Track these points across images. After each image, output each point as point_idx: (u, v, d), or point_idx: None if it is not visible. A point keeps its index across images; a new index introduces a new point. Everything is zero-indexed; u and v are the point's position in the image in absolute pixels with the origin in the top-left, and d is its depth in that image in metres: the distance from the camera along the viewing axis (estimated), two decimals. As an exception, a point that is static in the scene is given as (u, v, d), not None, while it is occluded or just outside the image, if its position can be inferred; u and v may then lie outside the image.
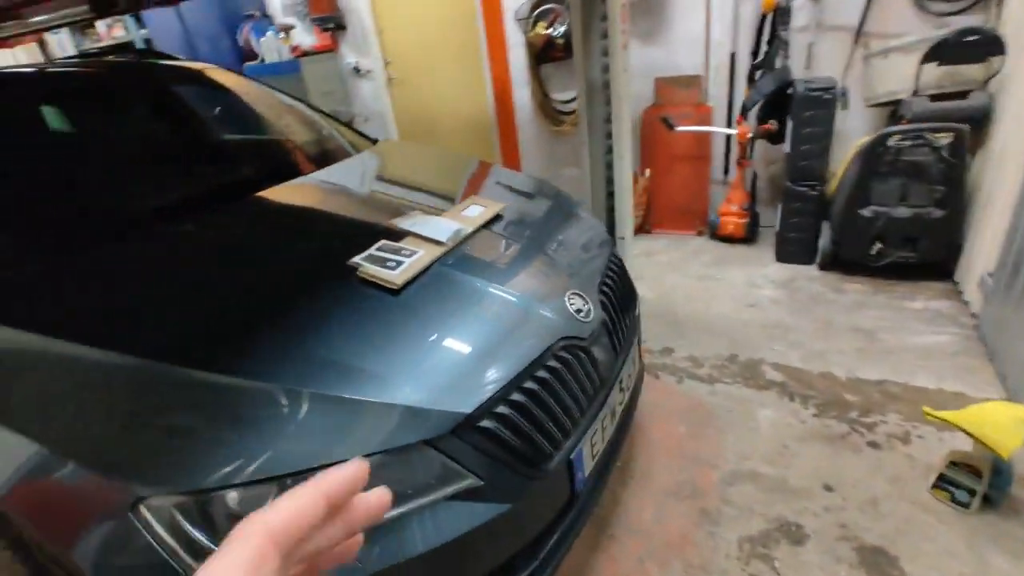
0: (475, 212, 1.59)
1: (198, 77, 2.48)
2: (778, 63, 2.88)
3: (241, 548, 0.21)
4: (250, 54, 4.45)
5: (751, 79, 3.09)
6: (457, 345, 1.15)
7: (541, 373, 1.18)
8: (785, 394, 2.08)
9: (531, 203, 1.79)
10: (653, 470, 1.81)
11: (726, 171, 3.48)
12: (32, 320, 1.14)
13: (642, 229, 3.72)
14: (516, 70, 3.77)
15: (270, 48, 4.25)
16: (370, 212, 1.65)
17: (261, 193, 1.69)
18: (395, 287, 1.23)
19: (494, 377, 1.11)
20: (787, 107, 2.81)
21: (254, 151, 2.26)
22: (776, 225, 3.08)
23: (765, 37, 2.97)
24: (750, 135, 3.02)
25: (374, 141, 2.36)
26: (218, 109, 2.53)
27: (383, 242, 1.39)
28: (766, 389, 2.12)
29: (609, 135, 2.37)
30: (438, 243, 1.39)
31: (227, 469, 0.90)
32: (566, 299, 1.34)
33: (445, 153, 2.26)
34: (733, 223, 3.30)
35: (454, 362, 1.12)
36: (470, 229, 1.48)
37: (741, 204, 3.28)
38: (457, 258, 1.38)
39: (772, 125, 2.94)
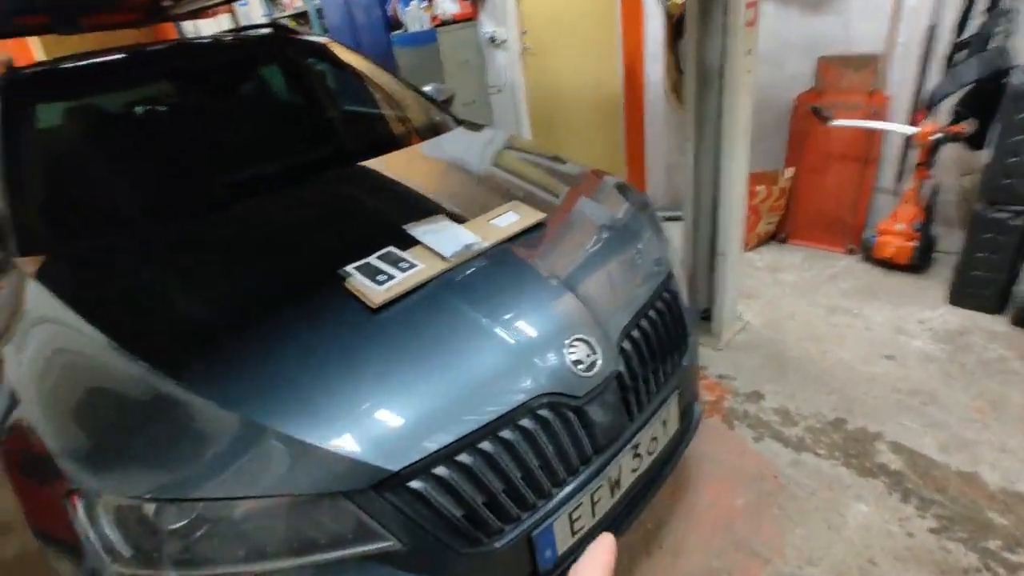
0: (507, 221, 1.42)
1: (319, 51, 2.59)
2: (994, 42, 2.13)
3: None
4: (396, 23, 4.60)
5: (951, 61, 2.34)
6: (415, 386, 1.02)
7: (505, 433, 1.01)
8: (897, 489, 1.60)
9: (592, 215, 1.55)
10: (687, 545, 1.53)
11: (899, 178, 2.75)
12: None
13: (775, 238, 3.15)
14: (650, 43, 3.36)
15: (413, 17, 4.33)
16: (401, 209, 1.56)
17: (322, 173, 1.75)
18: (372, 306, 1.14)
19: (443, 431, 0.97)
20: (995, 103, 2.08)
21: (334, 129, 2.30)
22: (957, 256, 2.37)
23: (981, 4, 2.20)
24: (935, 136, 2.32)
25: (460, 123, 2.26)
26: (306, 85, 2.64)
27: (390, 249, 1.29)
28: (872, 476, 1.65)
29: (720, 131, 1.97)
30: (441, 258, 1.26)
31: (153, 481, 0.91)
32: (566, 345, 1.12)
33: (530, 148, 2.06)
34: (896, 245, 2.62)
35: (403, 406, 1.00)
36: (485, 244, 1.31)
37: (911, 222, 2.58)
38: (458, 278, 1.23)
39: (968, 126, 2.22)
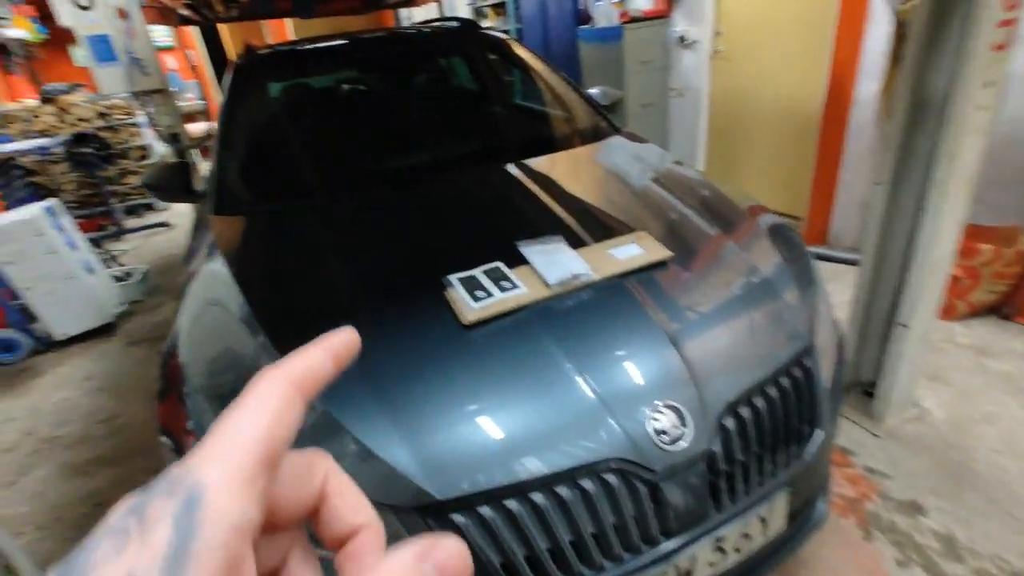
0: (627, 253, 1.31)
1: (499, 47, 2.67)
2: None
3: (266, 393, 0.20)
4: (586, 17, 4.55)
5: None
6: (481, 417, 1.00)
7: (562, 489, 0.94)
8: None
9: (730, 261, 1.36)
10: (771, 659, 1.30)
11: None
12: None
13: (995, 311, 2.50)
14: (868, 56, 2.83)
15: (602, 13, 4.24)
16: (526, 220, 1.53)
17: (470, 168, 1.83)
18: (463, 323, 1.13)
19: (497, 471, 0.94)
20: None
21: (493, 126, 2.34)
22: None
23: None
24: None
25: (618, 131, 2.16)
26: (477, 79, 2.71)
27: (497, 265, 1.28)
28: (1061, 663, 1.24)
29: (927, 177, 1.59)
30: (544, 284, 1.21)
31: None
32: (649, 410, 1.00)
33: (688, 171, 1.88)
34: None
35: (465, 435, 0.98)
36: (595, 277, 1.23)
37: None
38: (556, 309, 1.17)
39: None
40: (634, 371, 1.07)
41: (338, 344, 0.23)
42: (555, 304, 1.19)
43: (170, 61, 8.04)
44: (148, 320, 3.49)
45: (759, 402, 1.09)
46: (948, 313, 2.49)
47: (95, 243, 3.91)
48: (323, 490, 0.22)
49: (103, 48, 4.13)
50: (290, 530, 0.22)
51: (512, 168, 1.80)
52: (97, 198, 5.39)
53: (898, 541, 1.54)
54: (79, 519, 1.96)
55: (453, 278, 1.24)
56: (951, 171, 1.53)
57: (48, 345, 3.22)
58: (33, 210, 2.99)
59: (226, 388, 1.13)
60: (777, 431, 1.11)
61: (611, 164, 1.91)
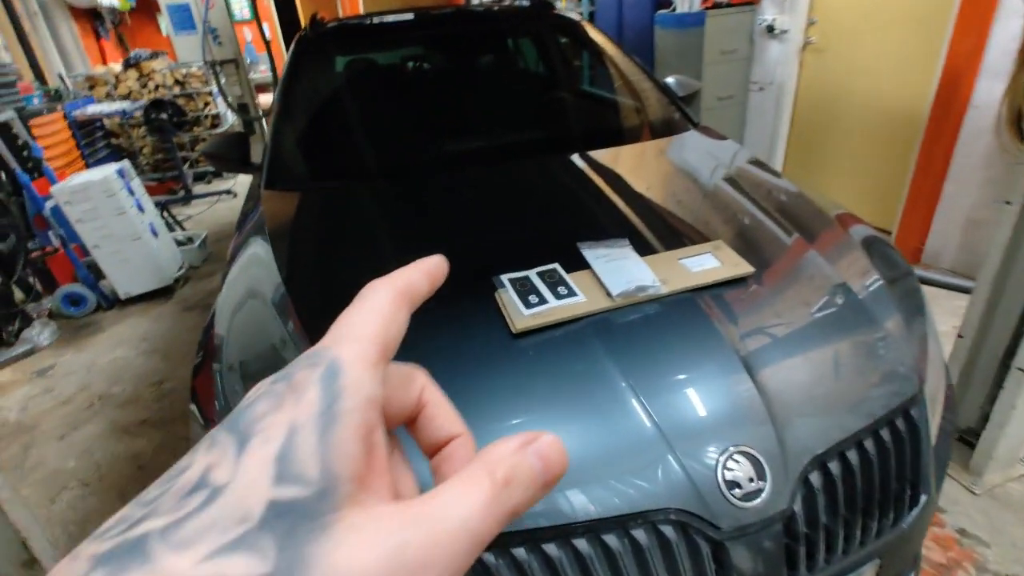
0: (702, 265, 1.15)
1: (571, 29, 2.51)
2: None
3: (379, 298, 0.22)
4: (664, 2, 4.27)
5: None
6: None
7: (609, 538, 0.81)
8: None
9: (819, 278, 1.17)
10: None
11: None
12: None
13: None
14: (993, 53, 2.47)
15: (683, -3, 3.97)
16: (591, 218, 1.38)
17: (535, 155, 1.70)
18: (513, 331, 1.01)
19: (537, 507, 0.81)
20: None
21: (562, 112, 2.18)
22: None
23: None
24: None
25: (696, 125, 1.96)
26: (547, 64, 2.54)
27: (555, 267, 1.15)
28: None
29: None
30: (606, 294, 1.07)
31: None
32: (723, 456, 0.85)
33: (771, 173, 1.67)
34: None
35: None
36: (663, 290, 1.07)
37: None
38: (617, 323, 1.03)
39: None
40: (704, 404, 0.92)
41: (433, 267, 0.25)
42: (616, 317, 1.04)
43: (247, 33, 8.28)
44: (202, 287, 3.57)
45: (853, 457, 0.92)
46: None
47: (162, 207, 4.04)
48: (420, 399, 0.24)
49: (182, 17, 4.24)
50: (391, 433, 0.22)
51: (578, 159, 1.65)
52: (169, 163, 5.61)
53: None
54: (121, 479, 1.99)
55: (505, 278, 1.12)
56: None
57: (111, 303, 3.35)
58: (106, 171, 3.09)
59: (254, 369, 1.06)
60: (872, 493, 0.93)
61: (686, 161, 1.72)
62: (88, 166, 4.89)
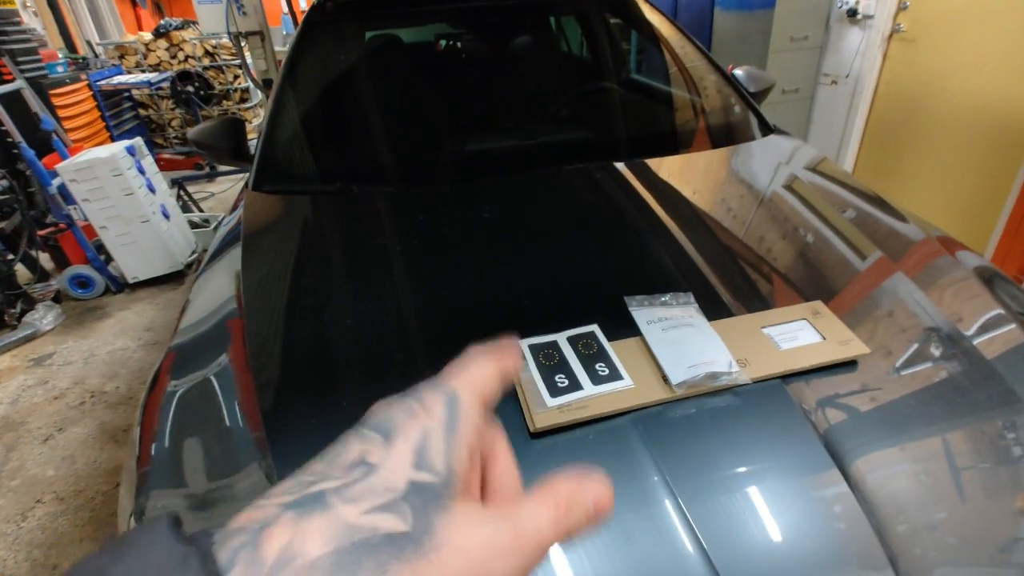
0: (796, 340, 0.84)
1: (622, 5, 2.17)
2: None
3: (481, 362, 0.24)
4: (729, -20, 3.83)
5: None
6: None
7: None
8: None
9: (935, 335, 0.86)
10: None
11: None
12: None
13: None
14: None
15: (752, -25, 3.52)
16: (639, 257, 1.07)
17: (573, 161, 1.39)
18: (531, 429, 0.73)
19: None
20: None
21: (606, 108, 1.85)
22: None
23: None
24: None
25: (771, 129, 1.62)
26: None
27: (592, 332, 0.86)
28: None
29: None
30: (664, 382, 0.77)
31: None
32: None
33: (864, 191, 1.33)
34: None
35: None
36: (744, 378, 0.77)
37: None
38: (673, 419, 0.74)
39: None
40: (787, 542, 0.62)
41: (512, 358, 0.25)
42: (671, 409, 0.75)
43: (285, 5, 8.06)
44: (216, 273, 3.40)
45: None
46: None
47: (179, 185, 3.88)
48: (495, 451, 0.25)
49: (208, -15, 4.02)
50: None
51: (626, 169, 1.34)
52: (196, 137, 5.47)
53: None
54: (97, 498, 1.82)
55: (526, 345, 0.83)
56: None
57: (120, 286, 3.20)
58: (114, 149, 2.91)
59: (192, 417, 0.83)
60: None
61: (766, 175, 1.38)
62: (113, 138, 4.78)
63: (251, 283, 1.04)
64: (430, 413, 0.21)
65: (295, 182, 1.46)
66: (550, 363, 0.80)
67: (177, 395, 0.87)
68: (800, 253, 1.10)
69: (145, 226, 3.05)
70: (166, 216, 3.21)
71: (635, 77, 2.23)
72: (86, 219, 2.95)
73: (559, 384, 0.77)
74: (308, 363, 0.87)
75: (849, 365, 0.83)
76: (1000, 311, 0.93)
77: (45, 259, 3.29)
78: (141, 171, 3.06)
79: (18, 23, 3.90)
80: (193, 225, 3.59)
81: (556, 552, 0.62)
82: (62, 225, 3.06)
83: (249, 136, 1.69)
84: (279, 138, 1.54)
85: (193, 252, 3.41)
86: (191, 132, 1.66)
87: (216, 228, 3.66)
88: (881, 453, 0.72)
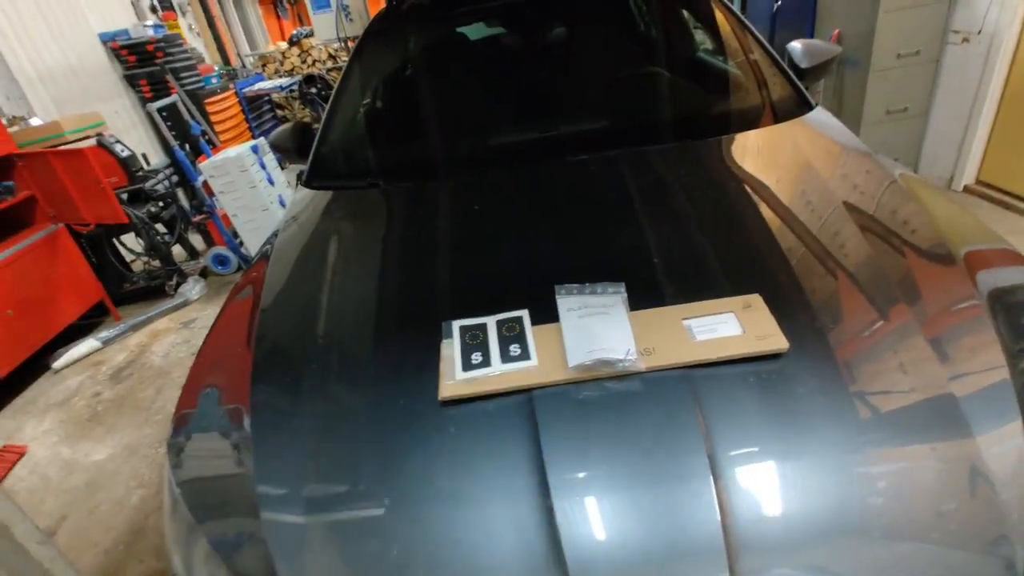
0: (714, 332, 0.86)
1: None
2: None
3: None
4: (839, -68, 3.42)
5: None
6: (412, 548, 0.73)
7: None
8: None
9: (896, 358, 0.81)
10: None
11: None
12: None
13: None
14: None
15: (864, -76, 3.12)
16: (598, 247, 1.11)
17: (589, 149, 1.42)
18: (440, 398, 0.85)
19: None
20: None
21: (633, 91, 1.79)
22: None
23: None
24: None
25: (809, 106, 1.51)
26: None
27: (520, 315, 0.95)
28: None
29: None
30: (563, 363, 0.85)
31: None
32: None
33: (886, 183, 1.21)
34: None
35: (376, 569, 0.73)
36: (640, 366, 0.82)
37: None
38: (569, 401, 0.81)
39: None
40: (637, 532, 0.68)
41: None
42: (567, 392, 0.82)
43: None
44: (323, 254, 3.88)
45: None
46: None
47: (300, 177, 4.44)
48: None
49: (320, -4, 4.50)
50: None
51: (619, 158, 1.36)
52: (321, 133, 6.16)
53: None
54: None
55: (455, 326, 0.95)
56: None
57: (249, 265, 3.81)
58: (241, 149, 3.45)
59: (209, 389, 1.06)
60: None
61: (767, 166, 1.32)
62: (254, 137, 5.60)
63: (274, 271, 1.27)
64: None
65: (340, 179, 1.69)
66: (473, 342, 0.91)
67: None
68: (772, 239, 1.06)
69: (265, 214, 3.58)
70: (283, 205, 3.74)
71: (656, 64, 2.10)
72: (222, 208, 3.55)
73: (473, 361, 0.88)
74: (299, 341, 1.08)
75: (769, 359, 0.83)
76: (990, 330, 0.83)
77: (198, 241, 4.01)
78: (263, 167, 3.59)
79: (181, 44, 4.71)
80: (307, 212, 4.12)
81: (437, 524, 0.73)
82: (208, 214, 3.71)
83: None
84: (332, 138, 1.77)
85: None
86: (270, 137, 1.97)
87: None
88: (758, 457, 0.73)
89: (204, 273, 3.76)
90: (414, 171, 1.60)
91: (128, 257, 3.67)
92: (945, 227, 1.05)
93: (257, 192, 3.49)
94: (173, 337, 3.12)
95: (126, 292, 3.55)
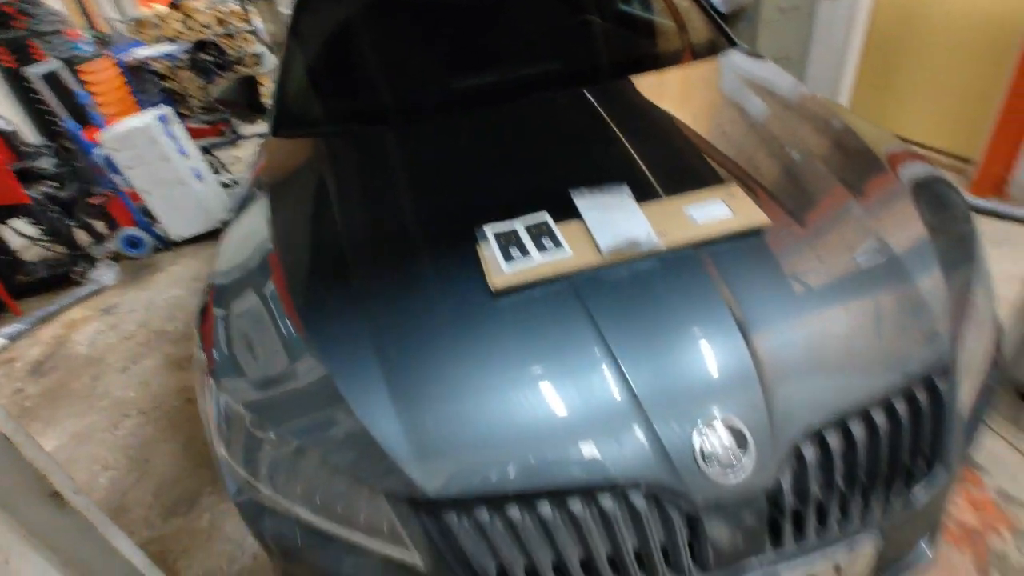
0: (710, 215, 1.04)
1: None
2: None
3: None
4: None
5: None
6: (492, 407, 0.85)
7: (575, 506, 0.79)
8: None
9: (850, 232, 1.03)
10: None
11: None
12: None
13: None
14: None
15: None
16: (591, 161, 1.27)
17: (548, 89, 1.55)
18: (492, 289, 0.96)
19: (500, 474, 0.80)
20: None
21: (581, 34, 1.94)
22: None
23: None
24: None
25: (732, 43, 1.74)
26: None
27: (543, 217, 1.08)
28: None
29: None
30: (595, 249, 0.99)
31: (256, 397, 0.97)
32: (698, 428, 0.80)
33: (816, 105, 1.45)
34: None
35: (471, 426, 0.84)
36: (660, 245, 0.98)
37: None
38: (605, 282, 0.96)
39: None
40: (688, 370, 0.85)
41: None
42: (604, 275, 0.97)
43: (287, -37, 8.05)
44: (249, 228, 3.70)
45: (857, 429, 0.84)
46: None
47: (207, 150, 4.15)
48: None
49: (213, -50, 4.14)
50: None
51: (592, 92, 1.51)
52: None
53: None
54: (173, 410, 2.17)
55: (488, 230, 1.06)
56: None
57: (167, 245, 3.54)
58: (147, 118, 3.18)
59: (242, 324, 1.08)
60: (877, 467, 0.85)
61: (712, 91, 1.54)
62: (142, 109, 5.07)
63: (276, 210, 1.28)
64: None
65: (309, 125, 1.68)
66: (508, 243, 1.03)
67: (228, 314, 1.11)
68: (735, 148, 1.27)
69: (182, 188, 3.35)
70: (199, 178, 3.50)
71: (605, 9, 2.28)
72: (130, 185, 3.26)
73: (512, 255, 1.00)
74: (329, 262, 1.12)
75: (753, 235, 1.02)
76: (912, 207, 1.07)
77: (101, 226, 3.64)
78: (173, 137, 3.33)
79: (40, 4, 4.14)
80: (224, 186, 3.88)
81: (505, 393, 0.85)
82: (109, 193, 3.38)
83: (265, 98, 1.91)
84: (291, 87, 1.75)
85: (228, 210, 3.71)
86: (214, 91, 1.89)
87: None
88: (763, 297, 0.92)
89: (116, 257, 3.45)
90: (391, 113, 1.64)
91: (16, 245, 3.27)
92: (866, 134, 1.30)
93: (171, 165, 3.25)
94: (96, 325, 2.88)
95: (23, 284, 3.18)
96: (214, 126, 5.74)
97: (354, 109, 1.71)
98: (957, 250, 1.04)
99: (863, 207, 1.07)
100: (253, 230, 1.27)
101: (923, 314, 0.92)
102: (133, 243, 3.46)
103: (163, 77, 5.57)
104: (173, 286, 3.13)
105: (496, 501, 0.80)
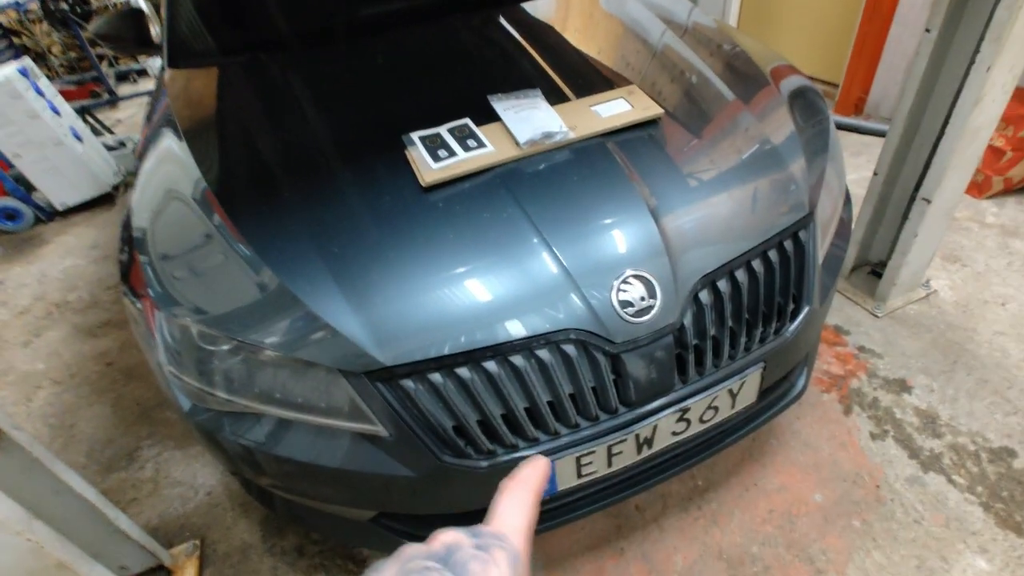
0: (613, 110, 1.16)
1: None
2: None
3: (522, 496, 0.34)
4: None
5: None
6: (434, 283, 0.94)
7: (516, 359, 0.91)
8: (1046, 559, 1.22)
9: (734, 127, 1.19)
10: (731, 520, 1.37)
11: None
12: None
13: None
14: None
15: None
16: (503, 72, 1.36)
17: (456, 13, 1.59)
18: (422, 184, 1.04)
19: (449, 339, 0.90)
20: None
21: None
22: None
23: None
24: None
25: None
26: None
27: (465, 122, 1.15)
28: (1017, 533, 1.27)
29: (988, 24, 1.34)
30: (515, 143, 1.09)
31: (202, 311, 0.99)
32: (616, 282, 0.93)
33: (713, 26, 1.59)
34: None
35: (417, 301, 0.93)
36: (571, 135, 1.09)
37: None
38: (526, 171, 1.06)
39: None
40: (604, 240, 0.98)
41: (540, 482, 0.36)
42: (525, 166, 1.07)
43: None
44: (146, 191, 3.44)
45: (741, 276, 1.01)
46: (981, 190, 2.29)
47: (85, 111, 3.76)
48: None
49: None
50: None
51: (503, 12, 1.57)
52: (85, 62, 5.11)
53: (876, 417, 1.54)
54: (92, 376, 2.07)
55: (415, 136, 1.12)
56: (1015, 14, 1.28)
57: (51, 215, 3.23)
58: (6, 71, 2.82)
59: (190, 259, 1.08)
60: (757, 306, 1.04)
61: (613, 10, 1.65)
62: (-8, 70, 4.43)
63: (196, 144, 1.25)
64: (499, 567, 0.28)
65: (202, 54, 1.61)
66: (434, 145, 1.10)
67: (163, 254, 1.09)
68: (634, 58, 1.40)
69: (60, 149, 3.04)
70: (79, 139, 3.18)
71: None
72: (-4, 149, 2.92)
73: (440, 156, 1.07)
74: (269, 181, 1.13)
75: (650, 124, 1.16)
76: (786, 110, 1.24)
77: (-39, 199, 3.24)
78: (40, 94, 2.99)
79: None
80: (109, 148, 3.55)
81: (447, 272, 0.94)
82: (-31, 161, 3.01)
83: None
84: (183, 16, 1.66)
85: (117, 174, 3.42)
86: (92, 26, 1.74)
87: (135, 148, 3.63)
88: (662, 177, 1.07)
89: (-10, 233, 3.11)
90: (299, 37, 1.61)
91: None
92: (752, 51, 1.47)
93: (42, 124, 2.94)
94: (-20, 304, 2.62)
95: None
96: (83, 86, 5.15)
97: (260, 33, 1.65)
98: (817, 141, 1.24)
99: (747, 109, 1.24)
100: (173, 174, 1.23)
101: (791, 187, 1.10)
102: (10, 215, 3.12)
103: (12, 32, 4.89)
104: (67, 256, 2.89)
105: (448, 364, 0.90)
